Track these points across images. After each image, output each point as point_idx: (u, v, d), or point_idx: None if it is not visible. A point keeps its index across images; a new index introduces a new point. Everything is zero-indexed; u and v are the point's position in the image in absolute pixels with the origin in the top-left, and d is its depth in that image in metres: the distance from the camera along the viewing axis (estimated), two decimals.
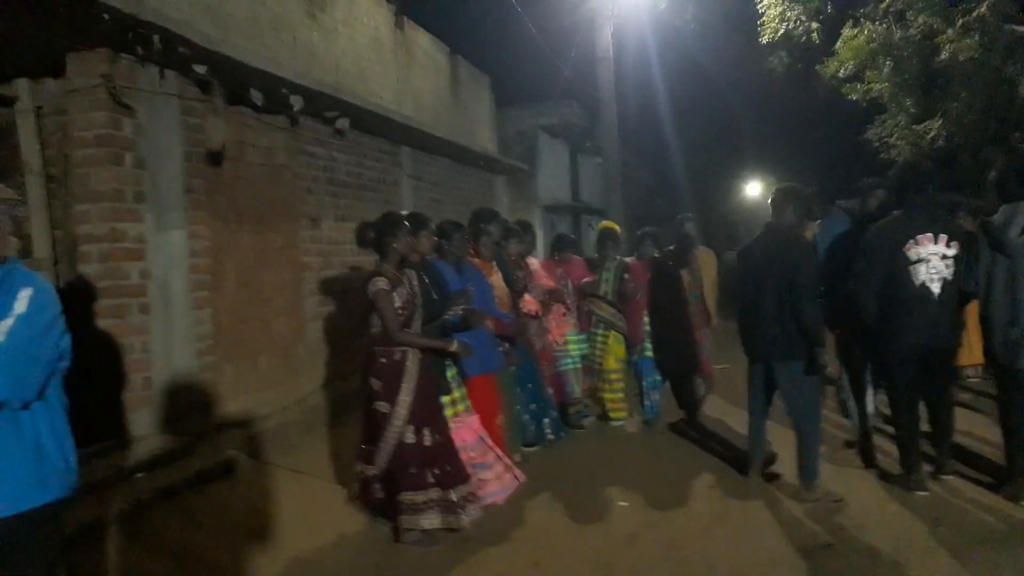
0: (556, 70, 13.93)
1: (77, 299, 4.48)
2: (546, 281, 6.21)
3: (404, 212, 4.45)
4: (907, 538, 3.82)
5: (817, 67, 12.73)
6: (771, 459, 5.00)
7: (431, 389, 4.21)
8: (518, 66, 15.88)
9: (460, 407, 4.51)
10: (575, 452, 5.75)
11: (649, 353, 6.47)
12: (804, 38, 12.13)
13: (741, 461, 5.03)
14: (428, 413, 4.12)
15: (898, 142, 12.42)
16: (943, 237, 4.37)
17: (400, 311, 4.04)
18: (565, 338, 6.33)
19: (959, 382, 5.11)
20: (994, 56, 10.14)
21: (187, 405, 5.09)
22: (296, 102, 6.15)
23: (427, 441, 4.05)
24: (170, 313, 5.02)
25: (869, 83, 12.24)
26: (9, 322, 2.16)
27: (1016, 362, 4.13)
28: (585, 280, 6.58)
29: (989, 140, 11.80)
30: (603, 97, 11.76)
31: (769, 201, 4.85)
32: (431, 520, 3.98)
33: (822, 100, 14.56)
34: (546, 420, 5.84)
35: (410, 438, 3.99)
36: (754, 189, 30.18)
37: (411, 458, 3.99)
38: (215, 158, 5.47)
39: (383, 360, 4.04)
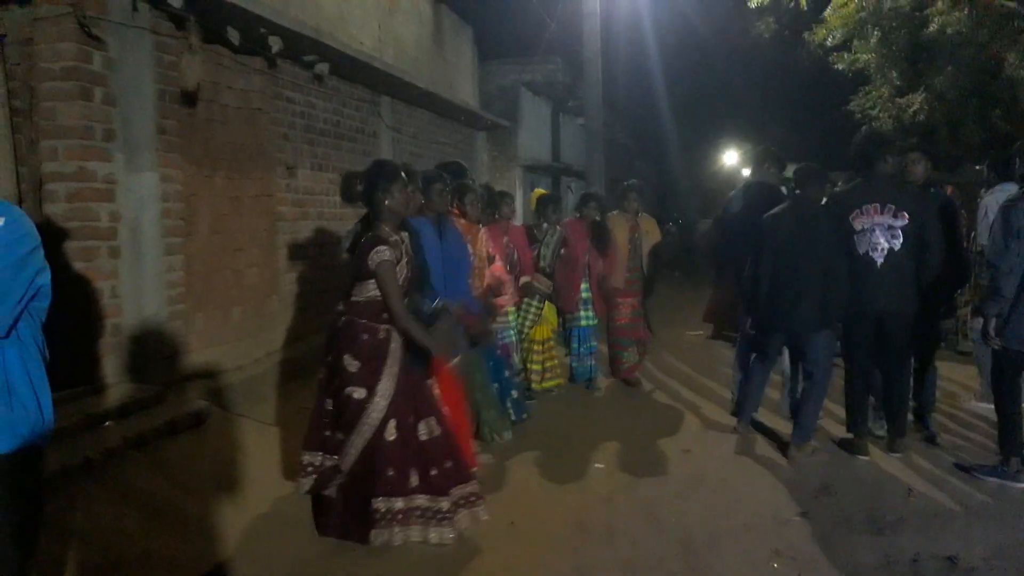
0: (541, 24, 13.66)
1: (43, 240, 4.29)
2: (496, 266, 5.45)
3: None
4: (880, 508, 3.86)
5: (805, 34, 12.63)
6: None
7: (420, 372, 3.56)
8: (502, 19, 15.52)
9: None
10: (549, 415, 5.73)
11: (586, 322, 6.40)
12: (792, 4, 12.01)
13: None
14: (420, 401, 3.46)
15: (880, 114, 12.44)
16: (890, 207, 4.38)
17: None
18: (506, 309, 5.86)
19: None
20: (981, 32, 10.12)
21: (157, 353, 4.96)
22: (275, 43, 5.91)
23: (421, 435, 3.40)
24: (140, 258, 4.85)
25: (856, 53, 12.19)
26: None
27: None
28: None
29: (969, 117, 11.85)
30: (588, 55, 11.53)
31: (793, 174, 4.87)
32: (411, 534, 3.35)
33: (807, 69, 14.46)
34: (507, 402, 5.29)
35: (391, 434, 3.32)
36: (731, 157, 30.17)
37: (390, 458, 3.32)
38: (189, 98, 5.25)
39: (365, 336, 3.35)
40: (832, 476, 4.32)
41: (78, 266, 4.42)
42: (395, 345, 3.39)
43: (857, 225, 4.42)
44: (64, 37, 4.33)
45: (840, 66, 12.52)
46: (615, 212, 6.72)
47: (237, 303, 5.91)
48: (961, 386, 6.00)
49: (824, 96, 16.37)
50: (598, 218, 6.54)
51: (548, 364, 6.36)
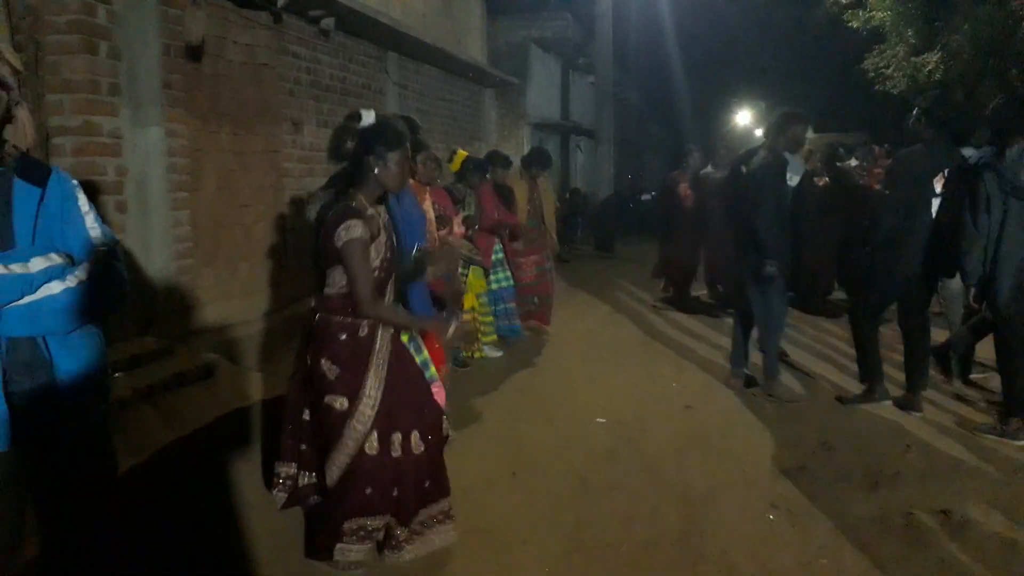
0: None
1: None
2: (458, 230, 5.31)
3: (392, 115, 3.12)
4: (877, 463, 3.91)
5: None
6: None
7: (410, 374, 2.96)
8: None
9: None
10: (550, 366, 5.80)
11: (497, 284, 6.30)
12: None
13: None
14: (406, 410, 2.89)
15: (895, 73, 12.25)
16: (943, 176, 4.42)
17: (376, 271, 2.80)
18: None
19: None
20: None
21: (165, 308, 5.02)
22: None
23: (406, 449, 2.87)
24: (147, 213, 4.89)
25: (871, 11, 11.97)
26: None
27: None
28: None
29: (985, 76, 11.65)
30: (599, 11, 11.38)
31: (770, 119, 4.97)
32: (360, 552, 2.85)
33: (822, 27, 14.23)
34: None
35: (373, 447, 2.80)
36: (744, 117, 29.79)
37: (371, 475, 2.80)
38: (194, 53, 5.24)
39: (343, 336, 2.79)
40: (831, 432, 4.37)
41: None
42: (380, 344, 2.84)
43: (936, 189, 4.45)
44: None
45: (855, 24, 12.32)
46: (514, 171, 6.78)
47: (245, 259, 5.96)
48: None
49: (838, 55, 16.10)
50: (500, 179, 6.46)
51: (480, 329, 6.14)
